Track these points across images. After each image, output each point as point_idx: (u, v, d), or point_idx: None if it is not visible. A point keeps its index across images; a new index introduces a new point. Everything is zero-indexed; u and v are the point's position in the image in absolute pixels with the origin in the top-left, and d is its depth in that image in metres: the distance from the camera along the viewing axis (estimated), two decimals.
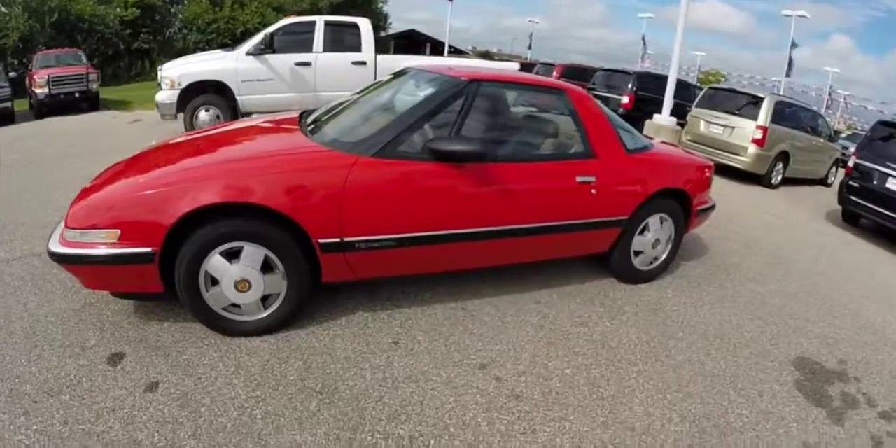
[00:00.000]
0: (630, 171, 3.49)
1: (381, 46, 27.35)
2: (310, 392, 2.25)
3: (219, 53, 8.32)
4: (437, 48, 32.14)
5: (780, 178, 8.65)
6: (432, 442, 2.06)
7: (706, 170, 4.05)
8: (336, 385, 2.31)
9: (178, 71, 7.47)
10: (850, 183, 6.68)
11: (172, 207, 2.26)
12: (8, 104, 13.01)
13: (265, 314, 2.58)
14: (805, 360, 3.16)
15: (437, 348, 2.68)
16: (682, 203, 3.80)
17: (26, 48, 17.39)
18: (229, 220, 2.35)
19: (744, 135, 8.17)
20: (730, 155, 8.32)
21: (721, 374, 2.88)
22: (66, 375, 2.24)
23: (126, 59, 20.96)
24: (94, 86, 14.10)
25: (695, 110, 9.17)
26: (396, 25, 32.76)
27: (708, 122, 8.73)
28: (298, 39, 7.71)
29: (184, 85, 7.31)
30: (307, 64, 7.61)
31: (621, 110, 10.84)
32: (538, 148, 3.45)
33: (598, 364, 2.78)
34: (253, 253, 2.41)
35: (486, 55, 31.79)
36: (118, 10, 20.58)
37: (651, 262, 3.85)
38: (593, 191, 3.23)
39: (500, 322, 3.03)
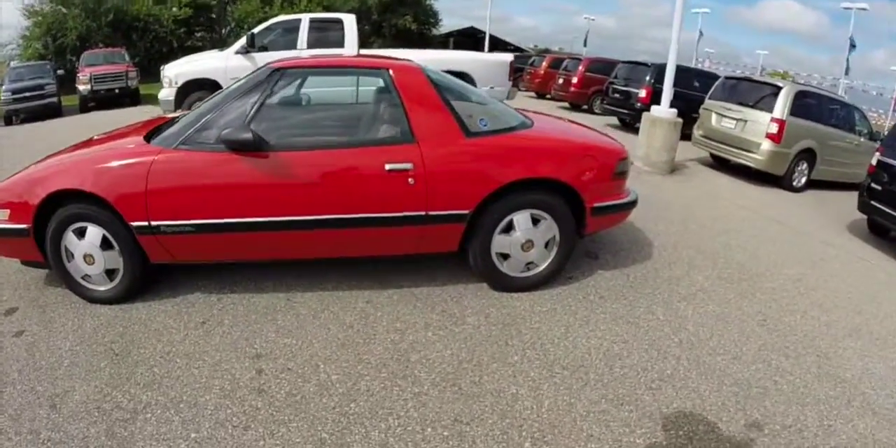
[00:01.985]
0: (468, 158, 2.91)
1: (440, 44, 27.18)
2: (110, 352, 2.58)
3: (214, 53, 8.73)
4: (497, 46, 31.66)
5: (803, 180, 7.33)
6: (158, 412, 2.17)
7: (606, 157, 3.25)
8: (130, 350, 2.59)
9: (175, 70, 7.99)
10: (873, 185, 5.46)
11: (38, 192, 2.74)
12: (54, 99, 14.11)
13: (111, 286, 2.95)
14: (687, 418, 2.26)
15: (232, 333, 2.75)
16: (567, 198, 3.07)
17: (83, 46, 18.42)
18: (76, 204, 2.76)
19: (757, 129, 6.98)
20: (742, 152, 7.15)
21: (530, 419, 2.20)
22: None
23: (179, 57, 21.78)
24: (134, 83, 14.85)
25: (707, 102, 8.01)
26: (460, 22, 32.33)
27: (720, 116, 7.57)
28: (284, 37, 7.99)
29: (180, 83, 7.77)
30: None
31: (639, 104, 9.89)
32: (345, 134, 3.08)
33: (376, 377, 2.42)
34: (94, 232, 2.80)
35: (545, 52, 30.86)
36: (173, 9, 21.39)
37: (527, 268, 3.18)
38: (410, 180, 2.80)
39: (313, 317, 2.91)
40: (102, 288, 2.95)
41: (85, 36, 19.12)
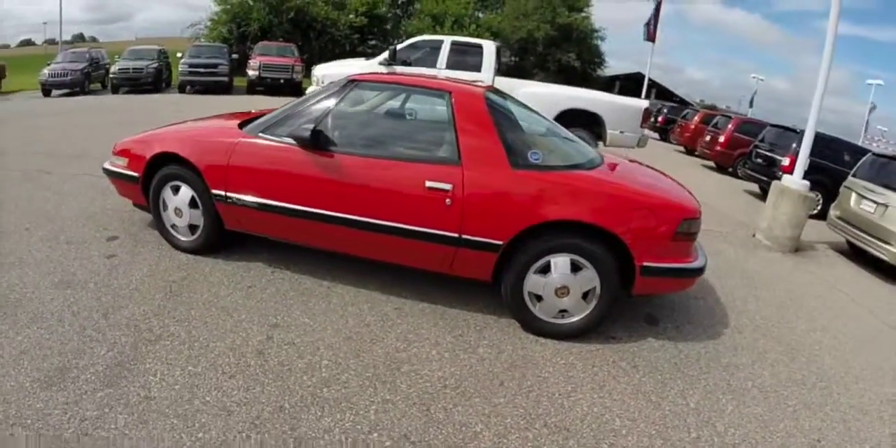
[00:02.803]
0: (508, 189, 2.85)
1: (603, 85, 27.03)
2: (167, 289, 3.10)
3: (362, 61, 9.39)
4: (663, 95, 30.77)
5: None
6: (176, 343, 2.59)
7: (669, 212, 2.94)
8: (183, 292, 3.09)
9: (323, 71, 8.78)
10: None
11: (150, 150, 3.39)
12: (225, 78, 15.98)
13: (192, 238, 3.49)
14: None
15: (267, 301, 3.09)
16: (614, 251, 2.86)
17: (264, 37, 20.53)
18: (176, 165, 3.33)
19: None
20: (876, 242, 6.17)
21: None
22: (87, 238, 3.73)
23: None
24: (298, 76, 16.44)
25: (849, 180, 7.01)
26: (630, 67, 31.91)
27: (860, 197, 6.62)
28: (427, 55, 8.41)
29: (325, 83, 8.38)
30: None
31: (781, 173, 8.98)
32: (399, 147, 3.16)
33: (360, 374, 2.54)
34: (185, 192, 3.35)
35: (711, 108, 29.53)
36: (350, 16, 23.20)
37: (561, 316, 3.02)
38: (448, 200, 2.85)
39: (340, 308, 3.12)
40: (184, 238, 3.51)
41: (266, 28, 21.31)
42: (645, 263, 2.88)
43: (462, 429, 2.24)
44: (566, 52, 28.72)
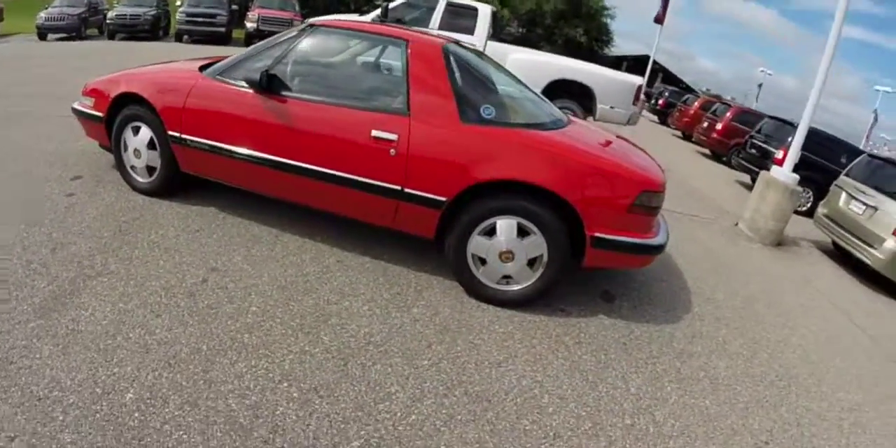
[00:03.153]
0: (455, 144, 2.65)
1: (610, 64, 26.62)
2: (117, 228, 3.07)
3: (355, 17, 8.85)
4: (669, 80, 30.31)
5: None
6: (113, 280, 2.57)
7: (625, 182, 2.69)
8: (132, 231, 3.07)
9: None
10: None
11: (114, 90, 3.33)
12: (222, 29, 15.52)
13: (149, 180, 3.43)
14: None
15: (211, 245, 3.04)
16: (564, 218, 2.64)
17: None
18: (138, 106, 3.25)
19: (885, 221, 5.69)
20: (861, 244, 5.94)
21: (383, 423, 1.98)
22: (52, 177, 3.68)
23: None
24: None
25: (841, 179, 6.76)
26: (640, 49, 31.26)
27: (850, 197, 6.37)
28: (420, 15, 8.07)
29: None
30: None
31: (773, 166, 8.75)
32: (350, 94, 2.98)
33: (285, 323, 2.46)
34: (145, 133, 3.26)
35: (715, 97, 29.26)
36: None
37: (505, 282, 2.81)
38: (392, 151, 2.71)
39: (282, 256, 3.04)
40: (142, 180, 3.43)
41: None
42: (597, 234, 2.66)
43: (375, 388, 2.12)
44: (574, 26, 28.01)
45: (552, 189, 2.57)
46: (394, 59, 3.05)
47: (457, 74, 2.95)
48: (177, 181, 3.39)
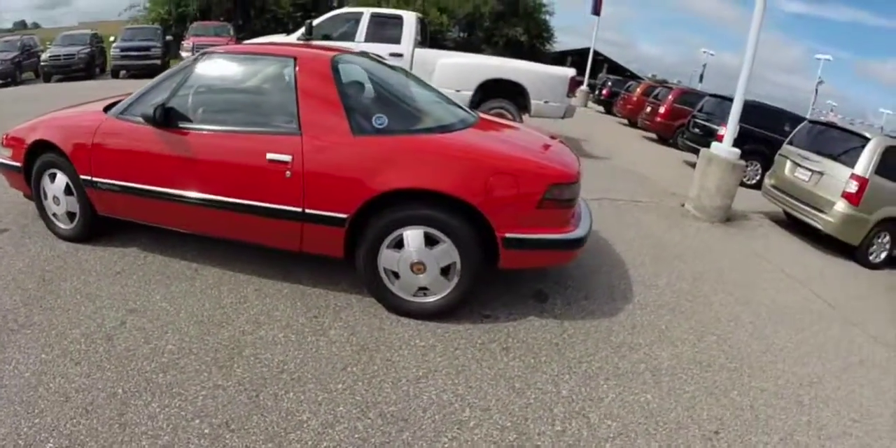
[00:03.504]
0: (348, 158, 2.58)
1: (553, 60, 26.87)
2: (41, 278, 3.00)
3: (282, 37, 8.95)
4: (615, 70, 30.59)
5: (883, 255, 5.94)
6: (36, 332, 2.53)
7: (531, 177, 2.60)
8: (55, 281, 2.99)
9: None
10: None
11: (28, 138, 3.27)
12: (157, 61, 15.50)
13: (71, 226, 3.38)
14: None
15: (131, 286, 2.98)
16: (473, 221, 2.55)
17: (204, 17, 19.57)
18: (51, 153, 3.21)
19: (834, 185, 5.74)
20: (811, 210, 5.95)
21: None
22: None
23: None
24: None
25: (784, 148, 6.77)
26: (582, 42, 31.43)
27: (794, 164, 6.38)
28: (346, 29, 8.04)
29: None
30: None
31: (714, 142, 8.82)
32: (244, 120, 2.95)
33: (199, 359, 2.41)
34: (61, 179, 3.21)
35: (662, 82, 29.68)
36: None
37: (423, 294, 2.72)
38: (287, 173, 2.63)
39: (200, 291, 2.98)
40: (64, 226, 3.37)
41: (205, 8, 20.41)
42: (507, 234, 2.55)
43: (287, 417, 2.06)
44: (513, 26, 28.06)
45: (453, 193, 2.48)
46: (284, 78, 2.96)
47: (347, 87, 2.90)
48: (97, 225, 3.32)
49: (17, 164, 3.34)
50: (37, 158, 3.25)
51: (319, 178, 2.61)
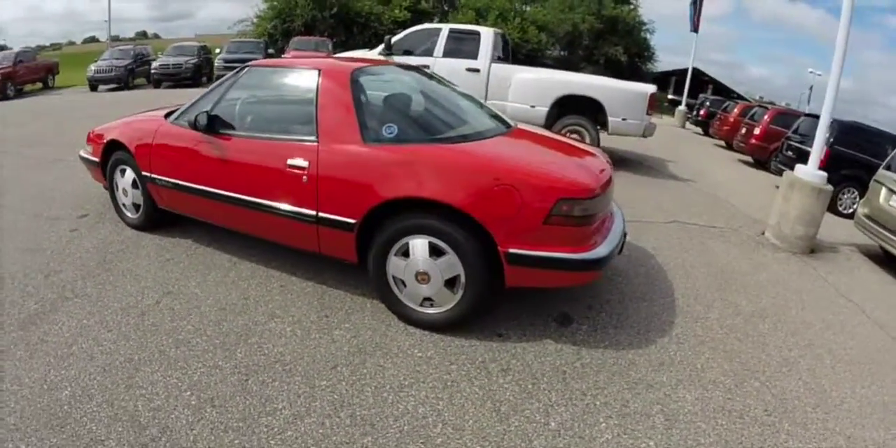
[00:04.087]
0: (357, 165, 2.64)
1: (655, 80, 26.10)
2: (102, 258, 3.53)
3: (365, 52, 9.31)
4: (721, 91, 29.22)
5: None
6: (84, 302, 2.99)
7: (537, 191, 2.44)
8: (114, 261, 3.49)
9: None
10: None
11: (104, 137, 3.85)
12: None
13: (136, 216, 3.90)
14: None
15: (175, 272, 3.36)
16: (478, 234, 2.50)
17: (308, 32, 20.72)
18: (120, 151, 3.75)
19: None
20: None
21: (263, 440, 1.89)
22: (64, 215, 4.32)
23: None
24: None
25: (880, 173, 5.96)
26: (686, 63, 30.25)
27: (890, 192, 5.67)
28: (425, 44, 8.31)
29: None
30: (425, 67, 7.83)
31: (798, 165, 8.02)
32: (274, 127, 3.16)
33: (210, 342, 2.65)
34: (129, 174, 3.74)
35: (770, 104, 27.87)
36: (395, 11, 23.16)
37: (429, 304, 2.69)
38: (304, 178, 2.79)
39: (232, 282, 3.27)
40: (131, 215, 3.89)
41: (310, 23, 21.60)
42: (511, 250, 2.44)
43: (265, 402, 2.19)
44: (613, 44, 27.30)
45: (452, 203, 2.43)
46: (309, 88, 3.11)
47: (365, 97, 3.01)
48: (158, 216, 3.77)
49: (96, 159, 3.92)
50: (111, 155, 3.77)
51: (331, 183, 2.72)
